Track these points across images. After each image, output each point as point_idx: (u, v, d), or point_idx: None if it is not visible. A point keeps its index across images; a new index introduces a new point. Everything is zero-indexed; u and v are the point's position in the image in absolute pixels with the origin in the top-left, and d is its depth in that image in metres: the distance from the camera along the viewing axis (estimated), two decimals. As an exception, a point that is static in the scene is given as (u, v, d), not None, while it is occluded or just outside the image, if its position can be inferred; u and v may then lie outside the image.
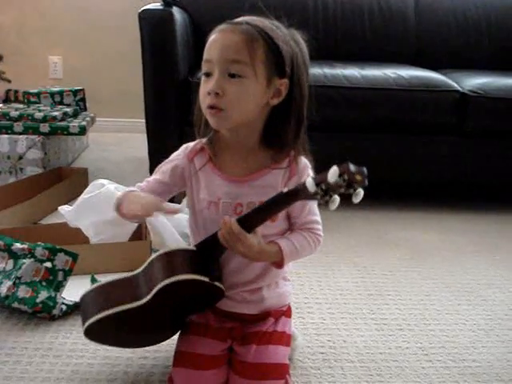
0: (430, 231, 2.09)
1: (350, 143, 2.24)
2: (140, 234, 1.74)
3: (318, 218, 1.11)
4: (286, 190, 0.91)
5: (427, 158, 2.28)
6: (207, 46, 1.02)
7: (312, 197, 0.86)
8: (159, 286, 0.95)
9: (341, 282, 1.65)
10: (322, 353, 1.28)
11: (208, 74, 1.01)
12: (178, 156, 1.12)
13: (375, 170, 2.30)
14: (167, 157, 1.15)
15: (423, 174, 2.32)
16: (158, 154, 2.22)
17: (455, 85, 2.25)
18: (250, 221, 0.96)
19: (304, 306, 1.48)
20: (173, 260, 0.99)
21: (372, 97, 2.19)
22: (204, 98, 1.02)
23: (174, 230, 1.77)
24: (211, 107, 1.00)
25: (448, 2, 2.84)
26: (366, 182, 0.83)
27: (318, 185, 0.85)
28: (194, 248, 1.03)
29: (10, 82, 2.92)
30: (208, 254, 1.01)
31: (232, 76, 0.98)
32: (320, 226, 1.11)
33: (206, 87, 1.01)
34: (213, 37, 1.01)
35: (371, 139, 2.25)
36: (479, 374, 1.24)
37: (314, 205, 1.09)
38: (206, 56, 1.02)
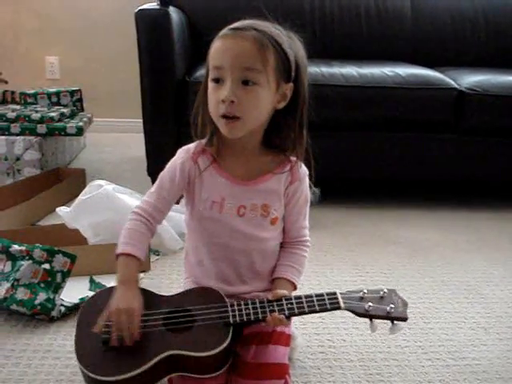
0: (428, 229, 2.09)
1: (347, 142, 2.25)
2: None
3: (307, 222, 1.18)
4: (343, 306, 1.02)
5: (424, 155, 2.28)
6: (216, 52, 1.01)
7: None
8: None
9: (339, 280, 1.65)
10: (322, 352, 1.28)
11: (218, 80, 1.00)
12: (182, 158, 1.10)
13: (373, 168, 2.33)
14: (164, 157, 1.14)
15: (421, 171, 2.32)
16: (155, 154, 2.25)
17: (452, 82, 2.25)
18: (294, 316, 1.06)
19: (303, 306, 1.47)
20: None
21: (369, 95, 2.19)
22: (216, 106, 1.01)
23: (173, 230, 1.77)
24: (226, 117, 0.99)
25: (444, 0, 2.84)
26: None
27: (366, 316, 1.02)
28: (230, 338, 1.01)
29: (6, 82, 2.91)
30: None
31: (246, 83, 0.98)
32: (308, 231, 1.18)
33: (217, 95, 1.00)
34: (222, 43, 1.00)
35: (369, 137, 2.25)
36: (479, 372, 1.24)
37: (307, 209, 1.16)
38: (215, 62, 1.00)
